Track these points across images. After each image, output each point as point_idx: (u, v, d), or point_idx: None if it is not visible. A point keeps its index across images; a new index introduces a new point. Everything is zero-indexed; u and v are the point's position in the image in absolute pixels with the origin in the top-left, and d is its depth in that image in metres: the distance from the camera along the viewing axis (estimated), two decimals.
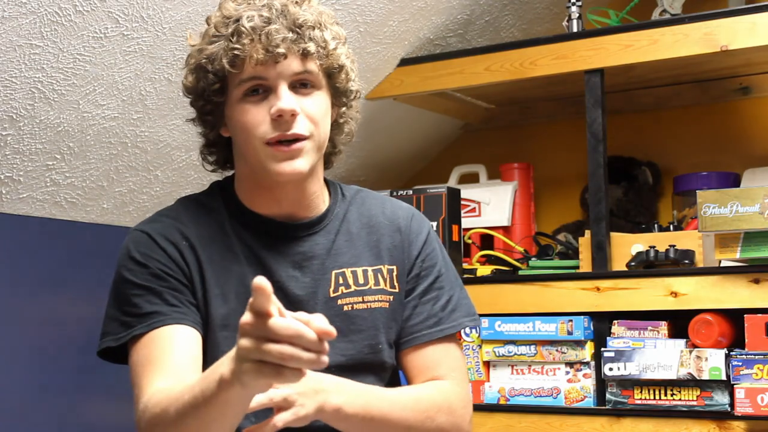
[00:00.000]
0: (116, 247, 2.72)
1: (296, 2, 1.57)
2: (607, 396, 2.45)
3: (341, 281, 1.64)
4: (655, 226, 2.70)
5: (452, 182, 3.11)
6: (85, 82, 2.28)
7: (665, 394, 2.38)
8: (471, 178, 3.14)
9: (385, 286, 1.67)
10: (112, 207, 2.66)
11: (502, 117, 3.19)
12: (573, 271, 2.61)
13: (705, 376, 2.32)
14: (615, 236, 2.58)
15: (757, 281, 2.32)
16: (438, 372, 1.68)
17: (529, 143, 3.29)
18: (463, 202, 2.90)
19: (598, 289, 2.49)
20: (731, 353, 2.31)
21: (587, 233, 2.59)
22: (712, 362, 2.31)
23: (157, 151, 2.59)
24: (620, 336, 2.46)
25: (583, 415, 2.50)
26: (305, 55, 1.55)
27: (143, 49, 2.29)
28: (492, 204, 3.00)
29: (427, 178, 3.33)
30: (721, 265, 2.39)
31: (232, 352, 1.24)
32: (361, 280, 1.66)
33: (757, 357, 2.28)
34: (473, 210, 2.98)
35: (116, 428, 2.76)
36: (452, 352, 1.71)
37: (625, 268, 2.51)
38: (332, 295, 1.63)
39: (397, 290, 1.68)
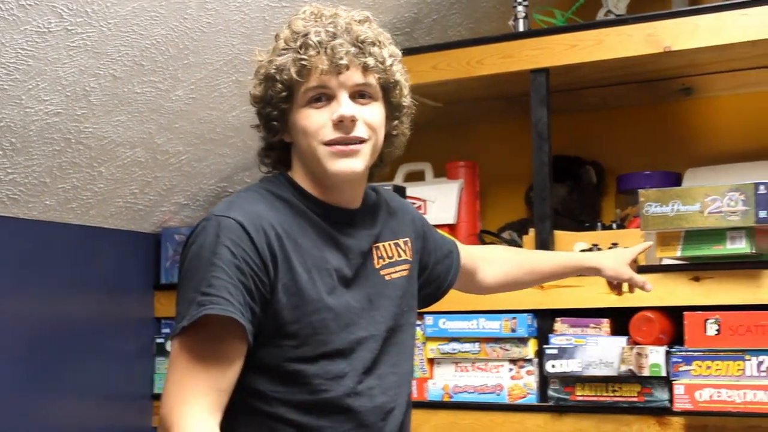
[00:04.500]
0: (59, 245, 2.74)
1: (359, 21, 1.73)
2: (550, 393, 2.47)
3: (381, 254, 1.82)
4: (599, 224, 2.73)
5: (398, 180, 3.12)
6: (28, 78, 2.25)
7: (606, 391, 2.41)
8: (417, 176, 3.15)
9: (407, 256, 1.88)
10: (55, 204, 2.64)
11: (448, 115, 3.20)
12: None
13: (645, 373, 2.35)
14: (559, 234, 2.60)
15: (697, 279, 2.36)
16: (476, 260, 2.12)
17: (475, 142, 3.31)
18: (408, 200, 2.91)
19: (542, 287, 2.51)
20: (671, 350, 2.35)
21: (531, 231, 2.61)
22: (653, 359, 2.35)
23: (101, 148, 2.57)
24: (563, 333, 2.49)
25: (525, 411, 2.53)
26: (365, 68, 1.70)
27: (88, 44, 2.27)
28: (438, 202, 3.01)
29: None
30: (663, 263, 2.43)
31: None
32: (393, 253, 1.85)
33: (696, 354, 2.31)
34: (419, 208, 2.99)
35: (70, 428, 2.75)
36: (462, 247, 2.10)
37: None
38: (377, 266, 1.82)
39: (411, 258, 1.90)
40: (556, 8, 2.95)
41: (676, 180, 2.84)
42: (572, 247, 2.56)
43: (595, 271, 2.16)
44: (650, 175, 2.89)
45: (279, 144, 1.79)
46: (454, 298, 2.62)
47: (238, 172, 3.03)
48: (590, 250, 2.51)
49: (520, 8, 2.80)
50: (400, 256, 1.86)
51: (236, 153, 2.94)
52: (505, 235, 2.97)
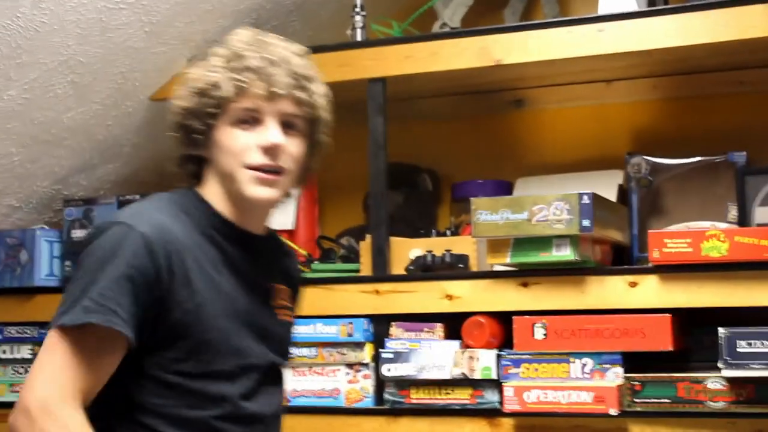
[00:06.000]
0: None
1: (296, 54, 1.78)
2: (385, 396, 2.52)
3: (276, 293, 1.87)
4: (433, 231, 2.79)
5: None
6: None
7: (440, 393, 2.48)
8: None
9: (290, 303, 1.94)
10: None
11: None
12: (354, 274, 2.67)
13: (477, 376, 2.42)
14: (395, 241, 2.65)
15: (525, 285, 2.44)
16: None
17: None
18: None
19: (378, 292, 2.55)
20: (501, 353, 2.43)
21: (368, 237, 2.65)
22: (484, 362, 2.42)
23: None
24: (398, 338, 2.54)
25: (362, 415, 2.56)
26: (298, 101, 1.75)
27: None
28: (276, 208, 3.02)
29: None
30: (493, 269, 2.51)
31: None
32: (285, 296, 1.91)
33: (524, 356, 2.40)
34: None
35: None
36: None
37: (404, 272, 2.60)
38: (271, 303, 1.86)
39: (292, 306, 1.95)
40: (394, 19, 3.00)
41: (507, 189, 2.93)
42: (407, 253, 2.62)
43: None
44: (483, 183, 2.97)
45: (195, 158, 1.79)
46: None
47: (73, 174, 2.97)
48: (424, 256, 2.57)
49: (358, 18, 2.84)
50: (286, 301, 1.90)
51: (71, 155, 2.88)
52: (344, 241, 3.01)
